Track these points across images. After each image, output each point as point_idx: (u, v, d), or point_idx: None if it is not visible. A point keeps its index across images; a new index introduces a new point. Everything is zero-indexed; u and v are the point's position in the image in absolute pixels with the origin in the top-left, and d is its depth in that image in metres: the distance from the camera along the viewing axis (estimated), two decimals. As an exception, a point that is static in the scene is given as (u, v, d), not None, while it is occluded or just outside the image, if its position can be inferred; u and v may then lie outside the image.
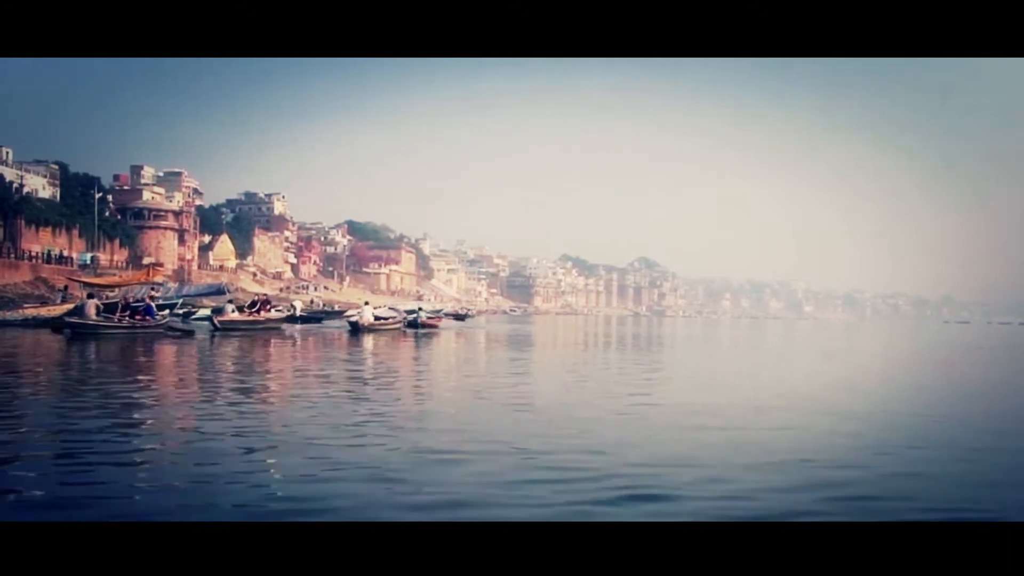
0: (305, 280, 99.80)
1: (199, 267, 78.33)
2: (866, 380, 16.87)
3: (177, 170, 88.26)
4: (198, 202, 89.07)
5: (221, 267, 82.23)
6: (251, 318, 28.47)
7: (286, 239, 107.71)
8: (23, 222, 57.61)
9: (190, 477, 5.36)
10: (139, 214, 74.66)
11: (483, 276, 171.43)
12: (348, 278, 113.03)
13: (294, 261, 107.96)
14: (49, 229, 60.65)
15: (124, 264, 65.50)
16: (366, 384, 11.81)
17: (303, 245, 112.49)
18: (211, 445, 6.49)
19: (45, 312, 29.78)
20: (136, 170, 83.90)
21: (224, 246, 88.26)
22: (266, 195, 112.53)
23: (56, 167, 68.01)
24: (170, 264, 71.37)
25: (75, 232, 63.51)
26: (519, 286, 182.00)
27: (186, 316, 31.14)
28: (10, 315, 30.57)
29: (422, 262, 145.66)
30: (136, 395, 9.87)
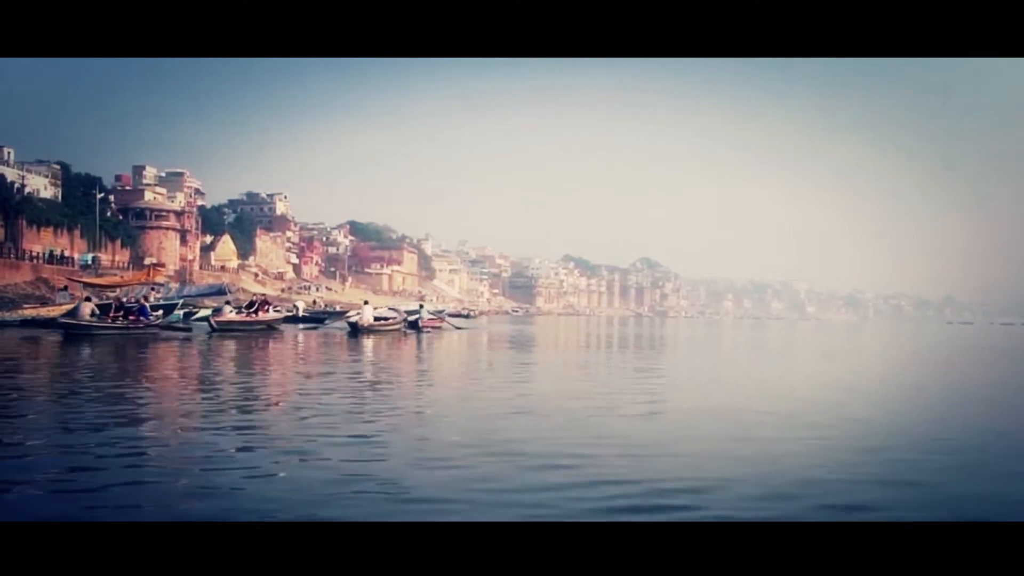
0: (307, 280, 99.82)
1: (201, 267, 78.35)
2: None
3: (179, 170, 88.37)
4: (200, 202, 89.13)
5: (223, 267, 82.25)
6: (249, 319, 28.34)
7: (288, 239, 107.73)
8: (24, 222, 57.67)
9: (188, 477, 5.36)
10: (141, 214, 74.71)
11: (485, 276, 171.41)
12: (350, 278, 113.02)
13: (296, 261, 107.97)
14: (51, 229, 60.70)
15: (126, 265, 65.52)
16: (370, 386, 11.81)
17: (305, 245, 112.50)
18: (209, 446, 6.49)
19: (45, 312, 29.79)
20: (138, 170, 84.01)
21: (226, 246, 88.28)
22: (268, 195, 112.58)
23: (58, 167, 68.06)
24: (172, 264, 71.41)
25: (77, 232, 63.54)
26: (521, 286, 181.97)
27: (187, 316, 31.12)
28: (8, 315, 30.55)
29: (424, 262, 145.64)
30: (126, 395, 9.88)
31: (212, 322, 26.39)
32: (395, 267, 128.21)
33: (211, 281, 61.41)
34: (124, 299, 27.92)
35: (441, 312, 44.00)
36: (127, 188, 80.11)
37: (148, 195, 79.11)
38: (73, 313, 23.14)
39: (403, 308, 37.16)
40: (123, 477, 5.22)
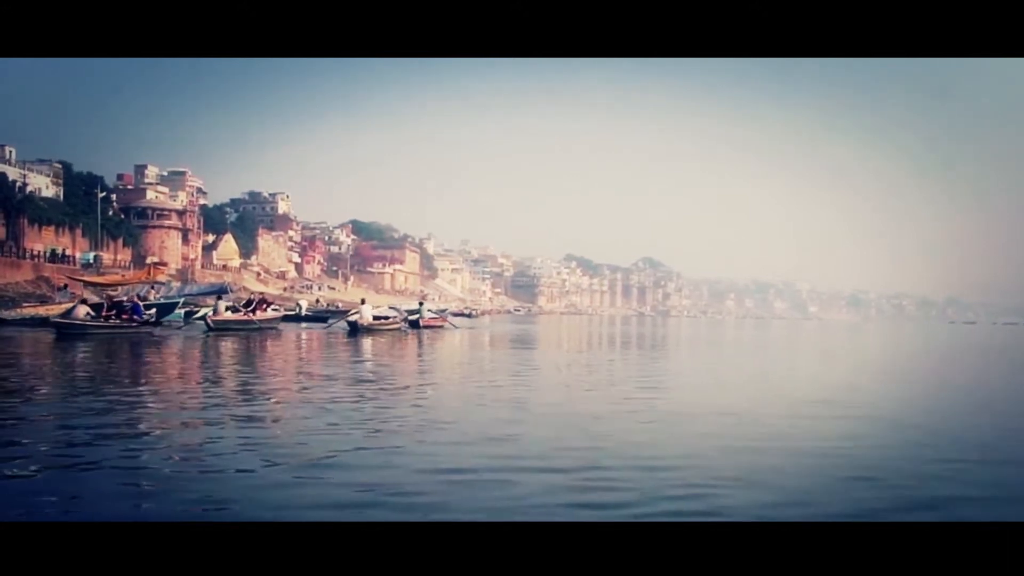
0: (309, 280, 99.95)
1: (203, 266, 78.45)
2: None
3: (181, 169, 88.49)
4: (202, 201, 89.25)
5: (225, 266, 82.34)
6: (245, 318, 28.23)
7: (290, 238, 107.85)
8: (26, 221, 57.78)
9: (186, 477, 5.36)
10: (143, 213, 74.82)
11: (487, 276, 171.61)
12: (352, 278, 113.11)
13: (298, 260, 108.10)
14: (52, 228, 60.82)
15: (128, 263, 65.59)
16: (370, 386, 11.81)
17: (307, 245, 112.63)
18: (207, 445, 6.50)
19: (44, 311, 29.76)
20: (140, 169, 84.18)
21: (228, 245, 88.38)
22: (270, 194, 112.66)
23: (59, 166, 68.18)
24: (174, 263, 71.51)
25: (78, 231, 63.66)
26: (523, 286, 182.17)
27: (187, 315, 31.09)
28: (7, 314, 30.52)
29: (426, 262, 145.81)
30: (117, 393, 9.88)
31: (208, 321, 26.35)
32: (397, 266, 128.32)
33: (213, 280, 61.42)
34: (125, 298, 27.86)
35: (444, 311, 43.84)
36: (129, 187, 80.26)
37: (150, 194, 79.24)
38: (68, 313, 23.18)
39: (403, 307, 37.00)
40: (119, 477, 5.23)
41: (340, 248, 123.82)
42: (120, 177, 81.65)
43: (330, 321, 34.18)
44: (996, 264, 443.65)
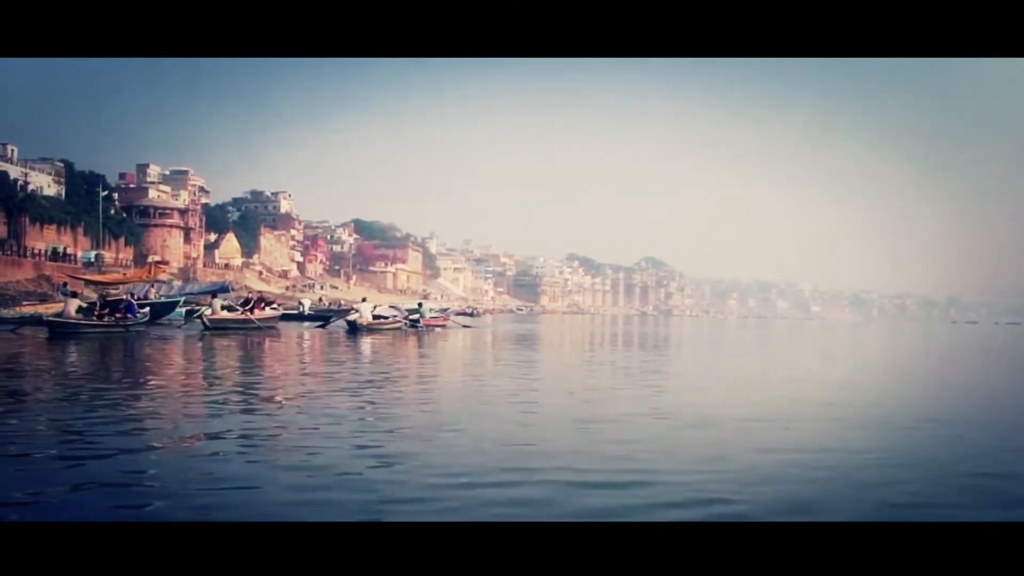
0: (311, 279, 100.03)
1: (205, 265, 78.53)
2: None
3: (183, 168, 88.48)
4: (204, 200, 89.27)
5: (227, 265, 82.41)
6: (242, 317, 27.99)
7: (292, 237, 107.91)
8: (27, 219, 57.83)
9: (184, 476, 5.37)
10: (145, 212, 74.90)
11: (490, 275, 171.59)
12: (354, 277, 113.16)
13: (300, 259, 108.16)
14: (54, 227, 60.89)
15: (129, 262, 65.63)
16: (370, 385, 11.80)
17: (309, 243, 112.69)
18: (207, 445, 6.50)
19: (43, 310, 29.66)
20: (142, 168, 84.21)
21: (230, 244, 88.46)
22: (272, 193, 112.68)
23: (61, 165, 68.24)
24: (176, 262, 71.59)
25: (80, 230, 63.71)
26: (526, 285, 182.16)
27: (188, 314, 31.07)
28: (5, 312, 30.47)
29: (429, 261, 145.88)
30: (107, 393, 9.89)
31: (205, 320, 26.25)
32: (400, 265, 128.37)
33: (214, 279, 61.41)
34: (126, 297, 27.88)
35: (446, 310, 43.71)
36: (131, 186, 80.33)
37: (152, 193, 79.29)
38: (60, 311, 22.89)
39: (403, 307, 36.87)
40: (115, 478, 5.23)
41: (342, 247, 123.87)
42: (122, 176, 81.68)
43: (332, 320, 34.08)
44: (998, 264, 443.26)
